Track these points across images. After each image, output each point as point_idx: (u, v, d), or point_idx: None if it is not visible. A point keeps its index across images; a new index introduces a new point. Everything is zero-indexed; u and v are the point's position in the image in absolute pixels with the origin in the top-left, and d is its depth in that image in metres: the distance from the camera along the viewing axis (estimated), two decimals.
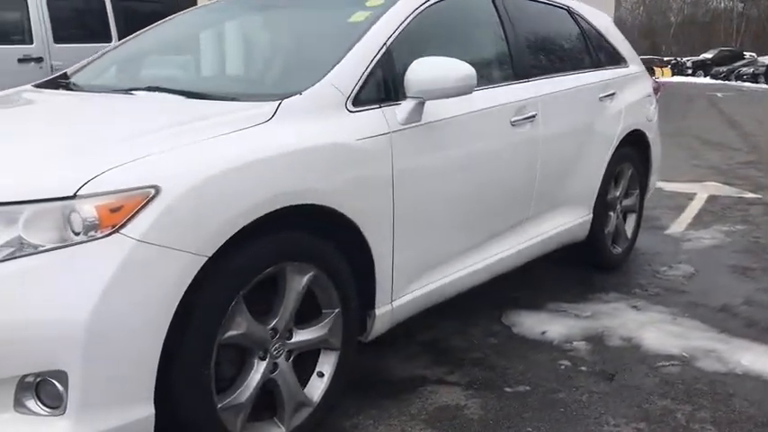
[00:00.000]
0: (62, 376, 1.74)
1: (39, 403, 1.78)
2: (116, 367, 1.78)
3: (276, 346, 2.20)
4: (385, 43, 2.61)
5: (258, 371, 2.15)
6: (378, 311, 2.55)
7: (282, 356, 2.23)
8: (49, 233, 1.77)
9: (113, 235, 1.77)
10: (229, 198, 1.94)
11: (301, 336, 2.29)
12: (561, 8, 3.92)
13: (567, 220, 3.69)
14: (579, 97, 3.65)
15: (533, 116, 3.22)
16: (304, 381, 2.35)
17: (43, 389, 1.77)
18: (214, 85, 2.85)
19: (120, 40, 5.39)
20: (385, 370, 2.92)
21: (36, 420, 1.77)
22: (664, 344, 3.19)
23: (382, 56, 2.58)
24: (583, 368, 2.96)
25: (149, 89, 2.63)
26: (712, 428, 2.51)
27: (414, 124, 2.57)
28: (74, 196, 1.77)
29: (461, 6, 3.14)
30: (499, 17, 3.28)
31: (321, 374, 2.39)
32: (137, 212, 1.79)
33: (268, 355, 2.18)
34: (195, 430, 2.01)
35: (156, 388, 1.88)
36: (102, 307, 1.72)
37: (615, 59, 4.23)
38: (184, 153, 1.95)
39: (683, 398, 2.72)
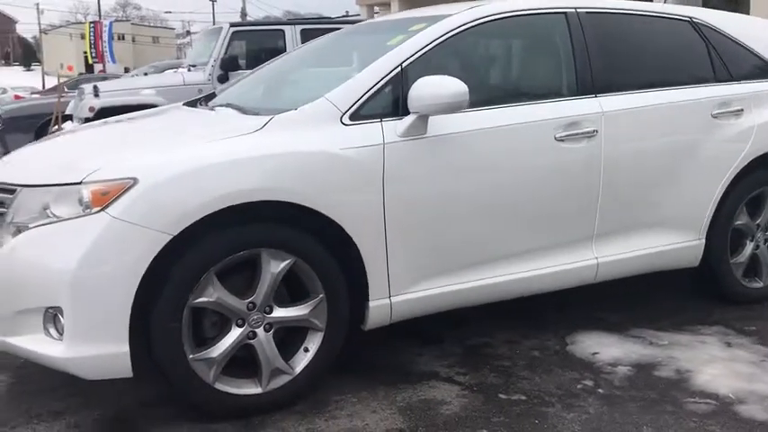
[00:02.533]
0: (61, 311, 2.42)
1: (54, 330, 2.49)
2: (95, 310, 2.41)
3: (255, 317, 2.66)
4: (400, 64, 2.90)
5: (233, 335, 2.63)
6: (372, 304, 2.85)
7: (262, 327, 2.68)
8: (68, 208, 2.48)
9: (100, 213, 2.41)
10: (193, 190, 2.46)
11: (281, 312, 2.71)
12: (681, 20, 3.69)
13: (661, 243, 3.50)
14: (674, 113, 3.44)
15: (592, 132, 3.18)
16: (292, 353, 2.77)
17: (58, 321, 2.48)
18: (260, 102, 3.39)
19: None
20: (408, 363, 3.17)
21: (50, 341, 2.49)
22: (717, 383, 2.92)
23: (395, 75, 2.88)
24: (600, 390, 2.88)
25: (226, 106, 3.28)
26: None
27: (416, 137, 2.83)
28: (80, 183, 2.45)
29: (516, 26, 3.24)
30: (570, 34, 3.29)
31: (307, 350, 2.78)
32: (118, 197, 2.42)
33: (246, 324, 2.65)
34: (170, 373, 2.56)
35: (139, 333, 2.48)
36: (84, 263, 2.38)
37: (761, 72, 3.82)
38: (166, 154, 2.53)
39: None
